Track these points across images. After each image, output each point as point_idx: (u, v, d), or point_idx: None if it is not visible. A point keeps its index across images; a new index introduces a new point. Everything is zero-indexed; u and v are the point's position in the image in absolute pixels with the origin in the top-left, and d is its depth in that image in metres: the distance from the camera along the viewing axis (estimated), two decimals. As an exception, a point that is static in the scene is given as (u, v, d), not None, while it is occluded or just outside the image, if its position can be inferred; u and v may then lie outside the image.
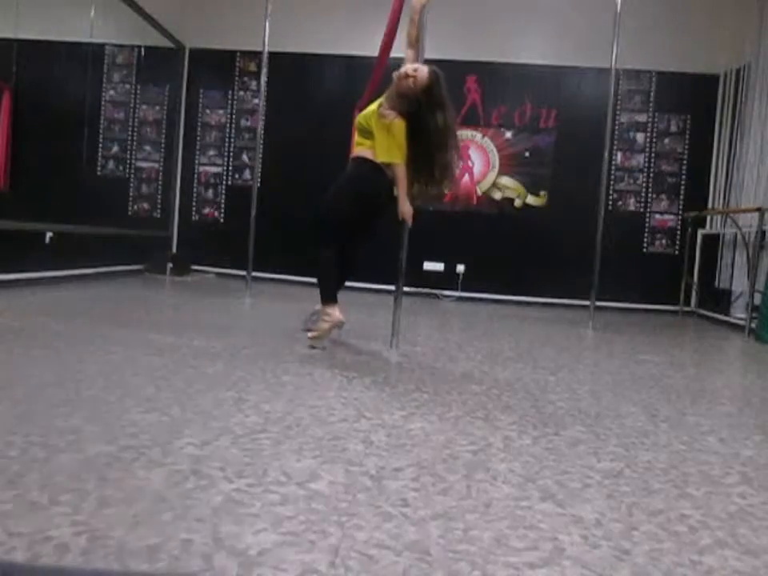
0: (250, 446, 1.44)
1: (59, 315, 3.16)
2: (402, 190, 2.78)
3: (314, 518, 1.10)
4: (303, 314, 3.30)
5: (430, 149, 2.72)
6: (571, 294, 5.67)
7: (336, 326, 2.79)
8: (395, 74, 2.74)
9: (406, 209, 2.80)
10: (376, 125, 2.75)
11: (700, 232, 5.74)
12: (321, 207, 2.88)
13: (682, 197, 5.84)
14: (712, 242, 5.62)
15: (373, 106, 2.83)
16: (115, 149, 6.02)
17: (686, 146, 5.82)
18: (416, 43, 2.94)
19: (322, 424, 1.65)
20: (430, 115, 2.67)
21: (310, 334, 2.80)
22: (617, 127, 5.80)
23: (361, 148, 2.86)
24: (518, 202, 5.88)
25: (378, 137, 2.74)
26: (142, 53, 5.99)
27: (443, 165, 2.75)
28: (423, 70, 2.69)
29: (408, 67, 2.71)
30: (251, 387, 1.99)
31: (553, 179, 5.83)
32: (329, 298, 2.80)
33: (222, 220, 6.23)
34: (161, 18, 5.67)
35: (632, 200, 5.86)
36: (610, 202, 5.80)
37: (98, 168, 5.98)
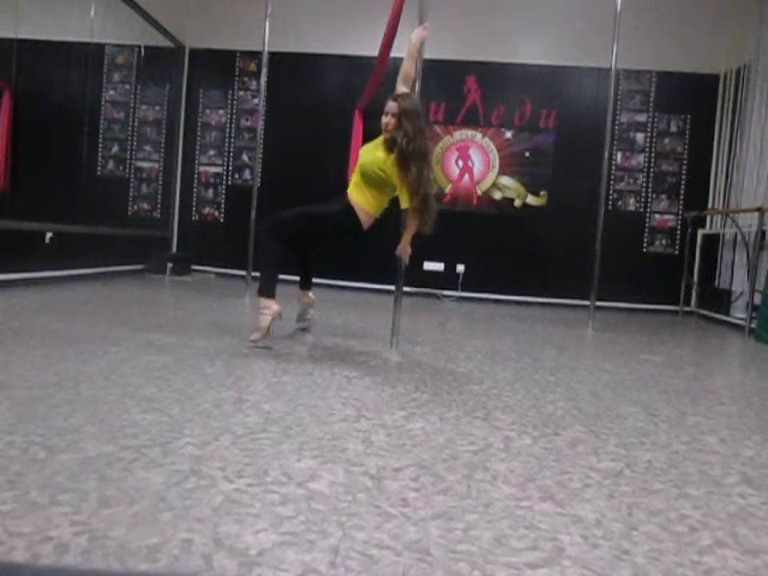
0: (250, 445, 1.44)
1: (59, 315, 3.15)
2: (409, 233, 2.77)
3: (314, 518, 1.10)
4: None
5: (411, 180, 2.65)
6: (571, 294, 5.67)
7: (276, 318, 2.72)
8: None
9: (406, 250, 2.83)
10: (394, 174, 2.67)
11: (700, 232, 5.74)
12: (298, 213, 2.90)
13: (681, 197, 5.84)
14: (712, 242, 5.62)
15: (379, 154, 2.74)
16: (115, 149, 6.01)
17: (686, 146, 5.82)
18: (413, 80, 2.87)
19: (322, 424, 1.65)
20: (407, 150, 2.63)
21: (252, 336, 2.69)
22: (617, 127, 5.80)
23: (360, 200, 2.82)
24: (517, 202, 5.88)
25: (400, 183, 2.67)
26: (142, 53, 5.98)
27: (423, 197, 2.65)
28: (392, 108, 2.68)
29: (383, 119, 2.72)
30: (251, 387, 1.99)
31: (553, 179, 5.83)
32: (269, 291, 2.73)
33: (222, 220, 6.23)
34: (161, 18, 5.68)
35: (632, 200, 5.87)
36: (610, 202, 5.80)
37: (98, 168, 5.98)
